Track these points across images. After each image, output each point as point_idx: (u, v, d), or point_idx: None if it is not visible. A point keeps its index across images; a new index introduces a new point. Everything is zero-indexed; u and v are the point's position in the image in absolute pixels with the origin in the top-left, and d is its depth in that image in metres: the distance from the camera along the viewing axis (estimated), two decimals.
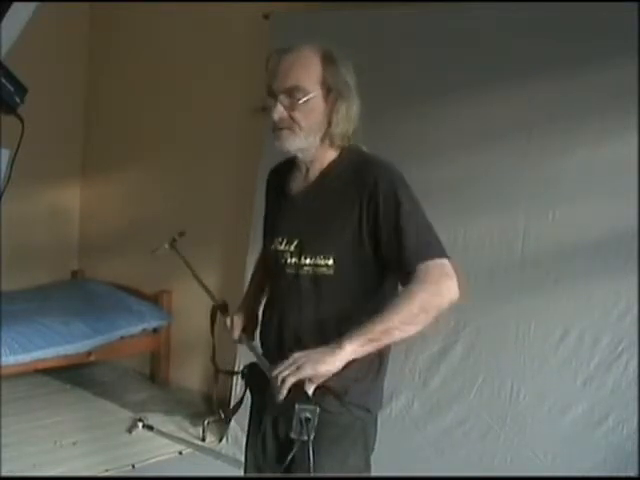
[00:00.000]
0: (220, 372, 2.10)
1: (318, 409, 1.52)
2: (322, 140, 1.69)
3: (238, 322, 1.88)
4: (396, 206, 1.59)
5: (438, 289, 1.54)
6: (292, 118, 1.64)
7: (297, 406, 1.49)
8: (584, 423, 2.62)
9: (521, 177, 2.80)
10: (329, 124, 1.67)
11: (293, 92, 1.63)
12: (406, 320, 1.53)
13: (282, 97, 1.64)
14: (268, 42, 3.51)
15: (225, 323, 1.90)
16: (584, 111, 2.65)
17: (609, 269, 2.59)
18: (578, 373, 2.64)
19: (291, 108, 1.64)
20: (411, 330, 1.54)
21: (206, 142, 4.14)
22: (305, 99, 1.63)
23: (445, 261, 1.58)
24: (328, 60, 1.65)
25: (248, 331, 1.89)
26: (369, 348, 1.54)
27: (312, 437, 1.50)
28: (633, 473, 2.47)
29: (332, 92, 1.65)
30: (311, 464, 1.51)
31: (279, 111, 1.64)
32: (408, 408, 3.00)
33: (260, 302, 1.94)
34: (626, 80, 2.52)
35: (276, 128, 1.67)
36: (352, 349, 1.51)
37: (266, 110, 1.68)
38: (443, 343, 2.95)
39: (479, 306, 2.87)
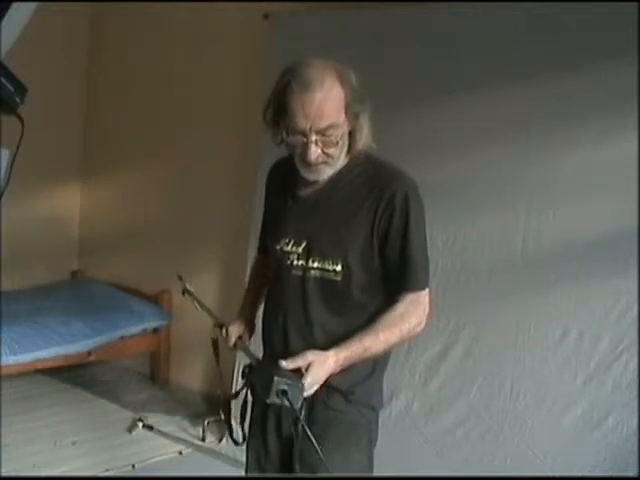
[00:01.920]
0: (232, 398, 2.07)
1: (299, 384, 1.53)
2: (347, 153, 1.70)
3: (234, 331, 1.87)
4: (405, 228, 1.65)
5: (418, 322, 1.70)
6: (326, 154, 1.63)
7: (275, 378, 1.51)
8: (584, 423, 2.62)
9: (521, 177, 2.80)
10: (354, 140, 1.67)
11: (327, 131, 1.60)
12: (387, 344, 1.67)
13: (315, 137, 1.60)
14: (268, 42, 3.52)
15: (220, 334, 1.89)
16: (584, 111, 2.65)
17: (609, 269, 2.59)
18: (578, 373, 2.64)
19: (326, 146, 1.62)
20: (380, 350, 1.68)
21: (206, 143, 4.14)
22: (340, 135, 1.62)
23: (427, 292, 1.72)
24: (346, 82, 1.62)
25: (244, 337, 1.88)
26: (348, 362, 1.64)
27: (297, 406, 1.52)
28: (633, 473, 2.47)
29: (354, 113, 1.63)
30: (322, 459, 1.53)
31: (316, 153, 1.62)
32: (408, 408, 3.00)
33: (257, 309, 1.94)
34: (626, 80, 2.52)
35: (311, 165, 1.65)
36: (338, 365, 1.62)
37: (284, 145, 1.66)
38: (443, 343, 2.95)
39: (479, 306, 2.88)
